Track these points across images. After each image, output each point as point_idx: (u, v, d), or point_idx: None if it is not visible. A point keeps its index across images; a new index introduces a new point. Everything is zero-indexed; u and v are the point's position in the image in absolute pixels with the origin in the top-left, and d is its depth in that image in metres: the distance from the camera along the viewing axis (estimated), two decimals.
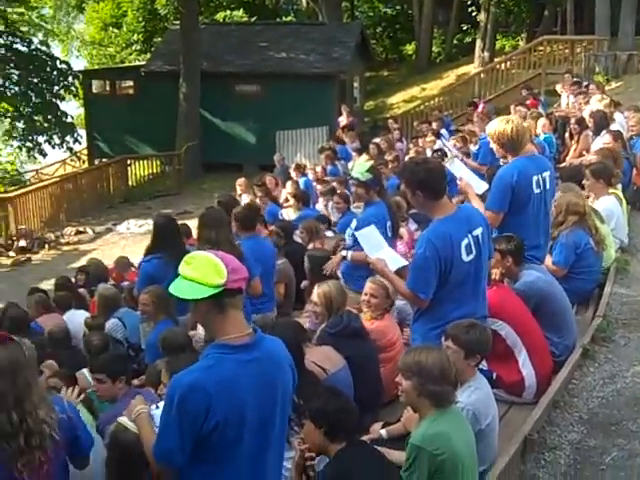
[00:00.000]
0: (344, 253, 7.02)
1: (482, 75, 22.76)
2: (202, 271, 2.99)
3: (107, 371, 4.95)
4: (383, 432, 4.58)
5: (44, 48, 27.59)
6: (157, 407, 3.31)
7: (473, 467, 3.64)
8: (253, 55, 22.78)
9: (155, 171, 22.64)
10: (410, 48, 33.64)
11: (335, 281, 6.03)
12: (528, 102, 14.39)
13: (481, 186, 6.01)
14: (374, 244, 5.20)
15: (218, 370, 2.94)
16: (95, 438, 4.07)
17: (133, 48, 33.39)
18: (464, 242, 4.39)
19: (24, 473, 3.25)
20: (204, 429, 2.91)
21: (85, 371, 5.81)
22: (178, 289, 3.04)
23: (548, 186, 5.66)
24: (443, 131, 14.74)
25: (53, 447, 3.36)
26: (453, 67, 29.59)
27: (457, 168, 6.23)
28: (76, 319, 7.37)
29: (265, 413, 3.05)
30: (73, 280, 9.45)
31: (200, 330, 5.89)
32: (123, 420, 3.58)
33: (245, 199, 11.38)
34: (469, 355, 4.15)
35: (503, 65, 22.41)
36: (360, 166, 7.13)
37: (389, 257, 4.94)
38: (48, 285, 9.95)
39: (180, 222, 8.22)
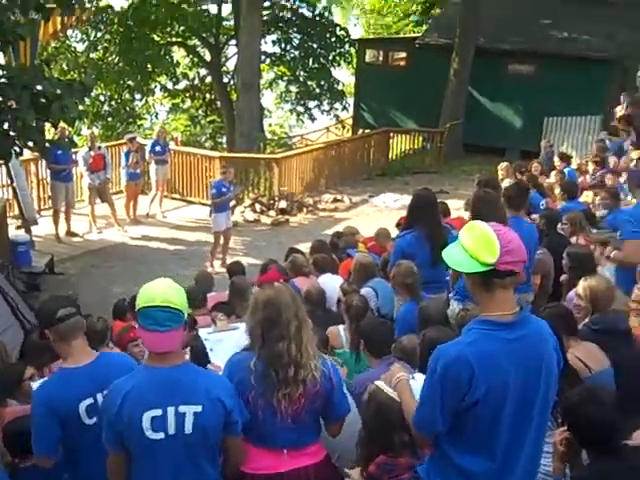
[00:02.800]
0: (608, 251, 6.66)
1: None
2: (476, 245, 2.91)
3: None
4: None
5: (326, 14, 28.35)
6: (413, 378, 3.37)
7: None
8: (532, 33, 21.59)
9: (415, 147, 22.53)
10: None
11: (603, 276, 5.71)
12: None
13: None
14: None
15: (480, 345, 2.90)
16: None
17: (410, 19, 33.41)
18: None
19: (282, 403, 3.41)
20: (465, 401, 2.88)
21: (341, 327, 6.06)
22: (450, 255, 3.02)
23: None
24: None
25: (311, 387, 3.53)
26: None
27: None
28: (331, 283, 7.48)
29: (527, 393, 2.96)
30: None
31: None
32: (381, 384, 3.68)
33: (506, 185, 10.97)
34: None
35: None
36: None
37: None
38: (303, 247, 10.22)
39: (439, 201, 8.06)
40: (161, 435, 3.27)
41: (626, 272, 6.16)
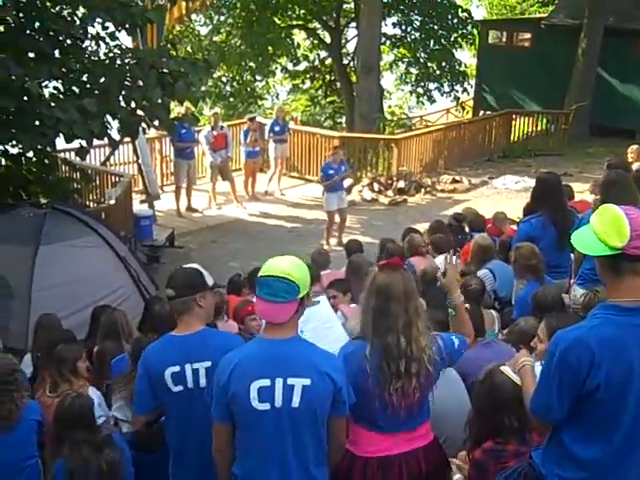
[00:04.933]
0: None
1: None
2: (606, 228, 2.82)
3: None
4: None
5: None
6: (541, 364, 3.22)
7: None
8: None
9: (539, 129, 21.93)
10: None
11: None
12: None
13: None
14: None
15: (602, 330, 2.82)
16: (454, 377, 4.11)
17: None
18: None
19: (394, 397, 3.40)
20: (585, 387, 2.80)
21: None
22: (579, 238, 2.95)
23: None
24: None
25: (425, 379, 3.51)
26: None
27: None
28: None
29: None
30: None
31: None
32: (506, 369, 3.66)
33: (636, 167, 10.54)
34: None
35: None
36: None
37: None
38: (420, 228, 10.14)
39: (564, 184, 7.83)
40: (267, 406, 3.29)
41: None
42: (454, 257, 4.38)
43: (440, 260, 7.60)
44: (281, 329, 3.35)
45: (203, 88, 15.44)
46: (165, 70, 9.30)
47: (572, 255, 6.54)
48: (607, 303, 2.92)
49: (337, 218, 13.14)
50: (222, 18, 26.49)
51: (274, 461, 3.35)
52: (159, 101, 9.27)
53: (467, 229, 9.09)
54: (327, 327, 5.31)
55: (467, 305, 4.81)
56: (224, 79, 27.78)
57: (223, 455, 3.49)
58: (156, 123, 10.07)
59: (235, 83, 27.72)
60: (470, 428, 3.89)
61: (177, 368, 3.79)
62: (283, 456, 3.35)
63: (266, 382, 3.28)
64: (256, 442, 3.36)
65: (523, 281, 6.23)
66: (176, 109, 13.29)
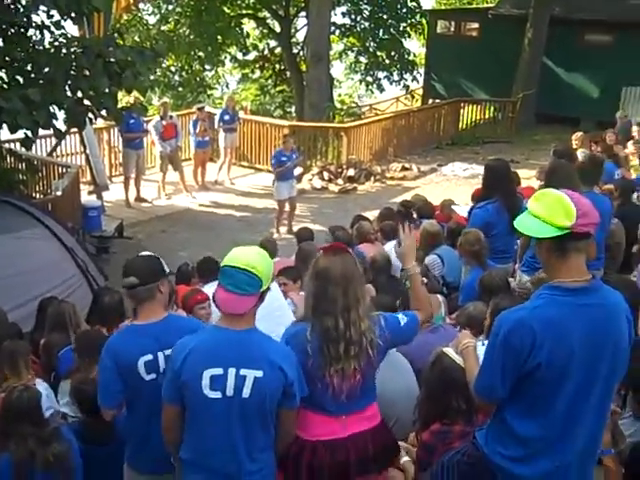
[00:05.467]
0: None
1: None
2: (550, 210, 2.87)
3: None
4: None
5: None
6: (483, 344, 3.31)
7: None
8: (610, 1, 20.82)
9: (487, 117, 22.23)
10: None
11: None
12: None
13: None
14: None
15: (545, 310, 2.87)
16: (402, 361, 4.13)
17: None
18: None
19: (335, 379, 3.42)
20: (526, 366, 2.85)
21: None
22: (522, 224, 2.97)
23: None
24: None
25: (366, 361, 3.52)
26: None
27: None
28: None
29: (592, 361, 2.89)
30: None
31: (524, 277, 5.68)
32: (448, 350, 3.73)
33: (580, 154, 10.75)
34: None
35: None
36: None
37: None
38: (370, 215, 10.20)
39: None
40: (218, 394, 3.30)
41: None
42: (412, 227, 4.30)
43: (389, 247, 7.69)
44: (239, 320, 3.36)
45: (152, 77, 15.23)
46: (112, 59, 9.18)
47: (518, 241, 6.65)
48: (552, 284, 2.96)
49: (287, 207, 13.15)
50: (170, 7, 26.24)
51: (221, 448, 3.37)
52: (106, 91, 9.15)
53: (416, 216, 9.17)
54: (278, 315, 5.33)
55: (424, 279, 4.85)
56: (173, 68, 27.55)
57: (172, 435, 3.50)
58: (103, 113, 9.93)
59: (184, 72, 27.51)
60: (419, 410, 3.95)
61: (150, 357, 3.76)
62: (230, 444, 3.36)
63: (219, 371, 3.29)
64: (204, 429, 3.37)
65: (468, 267, 6.33)
66: (124, 99, 13.15)
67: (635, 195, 8.64)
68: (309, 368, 3.48)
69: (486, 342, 3.19)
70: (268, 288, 3.42)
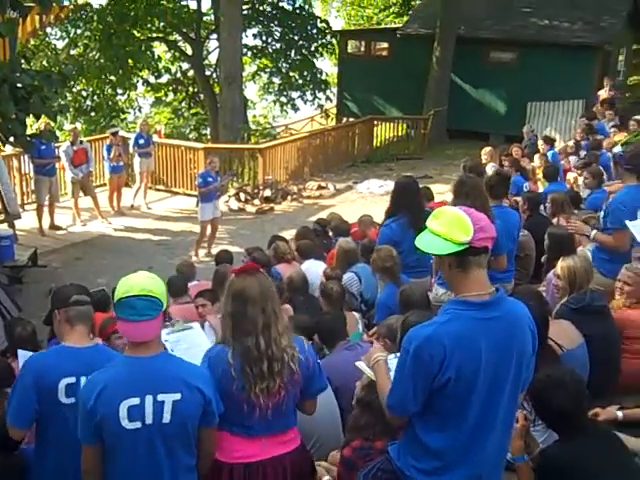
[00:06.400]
0: (588, 230, 6.71)
1: None
2: (448, 227, 2.94)
3: None
4: (619, 414, 4.33)
5: (306, 7, 28.45)
6: (395, 357, 3.34)
7: None
8: (512, 21, 21.79)
9: (400, 134, 22.65)
10: None
11: (582, 257, 5.75)
12: None
13: None
14: None
15: (454, 325, 2.93)
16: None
17: (391, 10, 33.55)
18: None
19: (260, 397, 3.41)
20: (437, 382, 2.91)
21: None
22: (423, 242, 3.04)
23: None
24: None
25: (289, 378, 3.53)
26: None
27: None
28: (314, 268, 7.51)
29: (498, 373, 2.97)
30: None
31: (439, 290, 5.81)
32: (360, 364, 3.74)
33: (490, 168, 11.08)
34: None
35: None
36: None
37: None
38: (287, 235, 10.24)
39: (421, 186, 8.12)
40: (138, 425, 3.26)
41: (608, 254, 6.20)
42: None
43: (307, 265, 7.76)
44: (147, 346, 3.32)
45: (61, 102, 14.97)
46: (19, 85, 9.00)
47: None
48: (457, 298, 3.02)
49: (209, 229, 13.08)
50: (79, 31, 25.87)
51: (145, 478, 3.33)
52: (13, 116, 8.96)
53: (331, 234, 9.26)
54: (199, 351, 5.30)
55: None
56: (84, 93, 27.11)
57: (93, 476, 3.42)
58: (12, 139, 9.71)
59: (96, 97, 27.11)
60: (353, 431, 3.97)
61: (73, 379, 3.70)
62: (155, 472, 3.33)
63: (135, 401, 3.25)
64: (127, 462, 3.31)
65: (382, 283, 6.41)
66: (34, 125, 12.87)
67: (542, 207, 8.91)
68: (233, 391, 3.45)
69: (399, 354, 3.23)
70: (168, 306, 3.42)
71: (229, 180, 13.15)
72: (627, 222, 5.73)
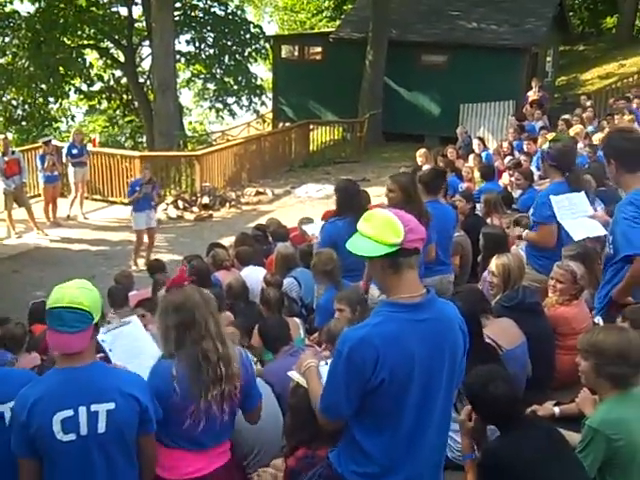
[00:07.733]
0: (519, 231, 6.84)
1: None
2: (379, 229, 2.98)
3: None
4: (556, 409, 4.44)
5: (239, 12, 28.44)
6: (326, 363, 3.35)
7: None
8: (442, 24, 22.22)
9: (336, 137, 22.79)
10: (610, 21, 31.61)
11: (515, 254, 5.90)
12: None
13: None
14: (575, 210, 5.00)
15: (387, 327, 2.95)
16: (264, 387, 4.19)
17: (323, 15, 33.73)
18: None
19: (213, 404, 3.44)
20: (370, 383, 2.92)
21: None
22: (354, 246, 3.07)
23: None
24: None
25: (239, 381, 3.53)
26: None
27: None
28: (254, 274, 7.53)
29: (432, 374, 3.01)
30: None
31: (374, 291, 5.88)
32: (292, 374, 3.71)
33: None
34: None
35: None
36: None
37: (589, 225, 4.73)
38: (227, 242, 10.25)
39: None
40: (72, 437, 3.21)
41: (539, 251, 6.36)
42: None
43: (246, 272, 7.78)
44: (78, 357, 3.27)
45: None
46: None
47: None
48: (389, 300, 3.03)
49: (146, 238, 12.98)
50: (7, 39, 25.35)
51: None
52: None
53: (271, 239, 9.29)
54: (138, 345, 5.25)
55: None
56: (15, 102, 26.57)
57: None
58: None
59: (27, 106, 26.58)
60: (287, 437, 3.99)
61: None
62: None
63: (69, 412, 3.20)
64: (65, 474, 3.27)
65: (322, 286, 6.45)
66: None
67: (478, 207, 9.07)
68: (177, 406, 3.41)
69: (329, 361, 3.24)
70: (103, 316, 3.38)
71: (148, 191, 12.69)
72: (561, 221, 5.79)
